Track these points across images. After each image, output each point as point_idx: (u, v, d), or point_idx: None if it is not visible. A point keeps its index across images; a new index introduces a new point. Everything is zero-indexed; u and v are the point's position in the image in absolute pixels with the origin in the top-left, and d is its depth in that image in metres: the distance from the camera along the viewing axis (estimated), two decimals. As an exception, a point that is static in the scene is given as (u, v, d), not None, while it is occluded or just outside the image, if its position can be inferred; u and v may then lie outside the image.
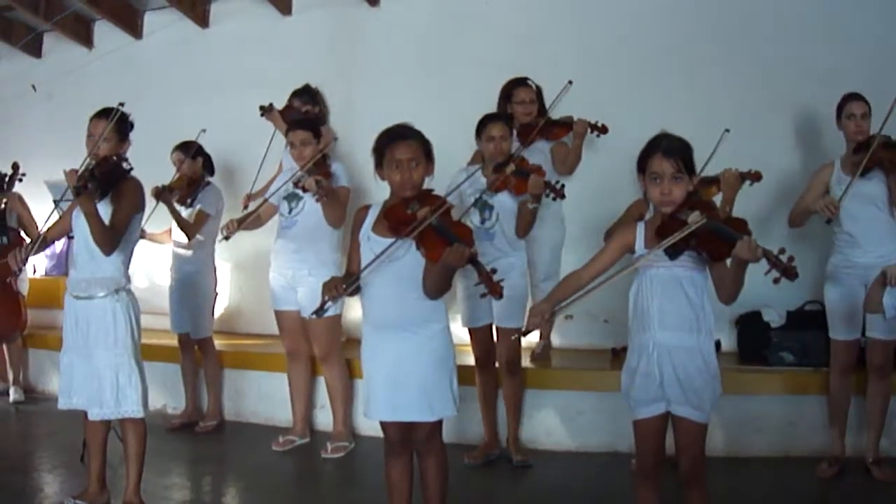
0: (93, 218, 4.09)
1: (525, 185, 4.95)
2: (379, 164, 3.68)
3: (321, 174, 5.44)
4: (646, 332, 3.43)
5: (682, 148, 3.42)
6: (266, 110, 6.51)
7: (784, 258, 3.09)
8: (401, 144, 3.61)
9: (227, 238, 5.64)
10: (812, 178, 5.17)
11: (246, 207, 6.44)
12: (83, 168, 4.15)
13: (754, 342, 5.80)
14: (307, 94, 6.64)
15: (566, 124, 5.87)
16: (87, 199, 4.04)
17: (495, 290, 3.38)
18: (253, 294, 7.46)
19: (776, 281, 3.11)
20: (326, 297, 3.54)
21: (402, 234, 3.51)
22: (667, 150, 3.39)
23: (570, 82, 5.89)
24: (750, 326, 5.86)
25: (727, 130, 5.24)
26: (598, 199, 5.86)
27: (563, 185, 5.01)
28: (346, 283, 3.57)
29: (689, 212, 3.37)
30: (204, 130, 6.48)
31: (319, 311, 3.65)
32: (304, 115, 6.39)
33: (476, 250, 3.44)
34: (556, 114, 5.94)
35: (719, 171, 5.13)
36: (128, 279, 4.36)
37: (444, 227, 3.50)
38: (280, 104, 6.58)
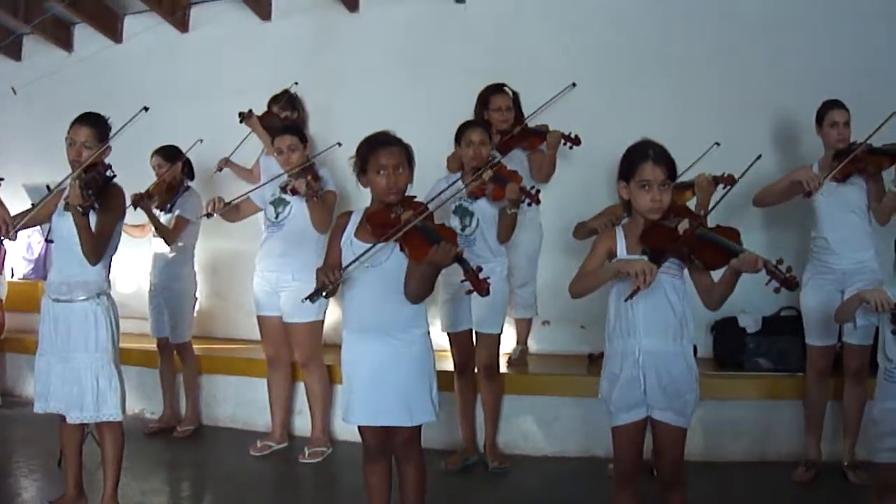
0: (86, 232, 4.08)
1: (502, 192, 5.00)
2: (362, 171, 3.70)
3: (310, 176, 5.46)
4: (630, 338, 3.45)
5: (668, 155, 3.45)
6: (245, 117, 6.50)
7: (783, 268, 3.17)
8: (386, 151, 3.64)
9: (209, 215, 5.60)
10: (789, 173, 5.12)
11: (220, 170, 6.48)
12: (78, 181, 4.08)
13: (730, 348, 5.83)
14: (286, 100, 6.64)
15: (541, 133, 5.89)
16: (84, 214, 4.03)
17: (481, 287, 3.38)
18: (230, 299, 7.46)
19: (777, 290, 3.21)
20: (320, 285, 3.50)
21: (386, 237, 3.53)
22: (657, 157, 3.41)
23: (574, 84, 5.96)
24: (725, 332, 5.89)
25: (717, 144, 5.29)
26: (576, 205, 5.85)
27: (538, 191, 5.06)
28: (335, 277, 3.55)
29: (676, 219, 3.41)
30: (201, 140, 6.56)
31: (313, 296, 3.56)
32: (283, 120, 6.38)
33: (462, 249, 3.46)
34: (545, 118, 5.98)
35: (694, 175, 5.17)
36: (108, 283, 4.36)
37: (428, 228, 3.54)
38: (260, 109, 6.58)
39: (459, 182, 5.16)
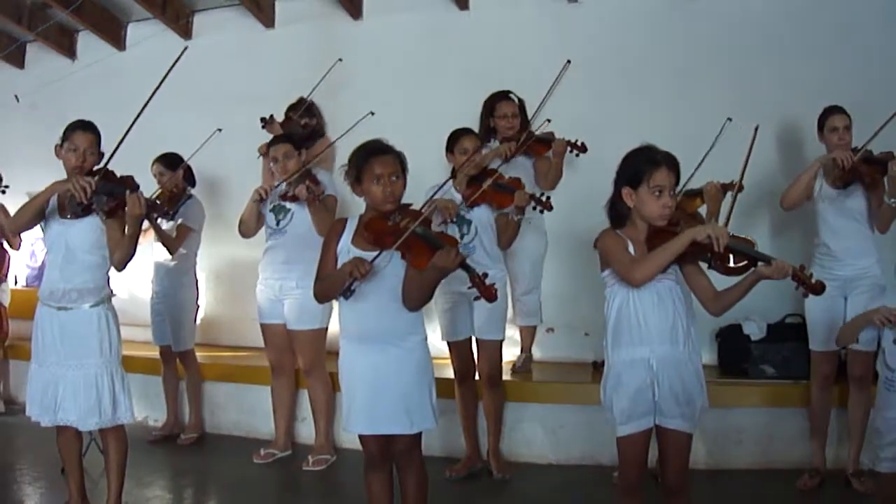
0: (133, 241, 4.15)
1: (506, 199, 5.01)
2: (356, 179, 3.69)
3: (309, 181, 5.46)
4: (642, 346, 3.44)
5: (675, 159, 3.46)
6: (267, 122, 6.48)
7: (808, 274, 3.28)
8: (381, 159, 3.63)
9: (262, 199, 5.61)
10: (807, 169, 5.10)
11: (263, 155, 6.44)
12: (138, 191, 4.10)
13: (735, 355, 5.82)
14: (305, 108, 6.64)
15: (547, 141, 5.86)
16: (139, 223, 4.12)
17: (489, 293, 3.38)
18: (233, 306, 7.45)
19: (805, 295, 3.42)
20: (351, 277, 3.43)
21: (387, 245, 3.52)
22: (668, 162, 3.41)
23: (569, 62, 6.03)
24: (730, 339, 5.87)
25: (729, 119, 5.34)
26: (579, 212, 5.81)
27: (549, 197, 5.07)
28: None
29: (686, 225, 3.42)
30: (219, 130, 6.58)
31: (347, 292, 3.50)
32: (304, 127, 6.36)
33: (466, 254, 3.46)
34: (545, 116, 5.99)
35: (702, 183, 5.16)
36: (110, 288, 4.36)
37: (428, 234, 3.53)
38: (260, 116, 6.57)
39: (453, 189, 5.14)
